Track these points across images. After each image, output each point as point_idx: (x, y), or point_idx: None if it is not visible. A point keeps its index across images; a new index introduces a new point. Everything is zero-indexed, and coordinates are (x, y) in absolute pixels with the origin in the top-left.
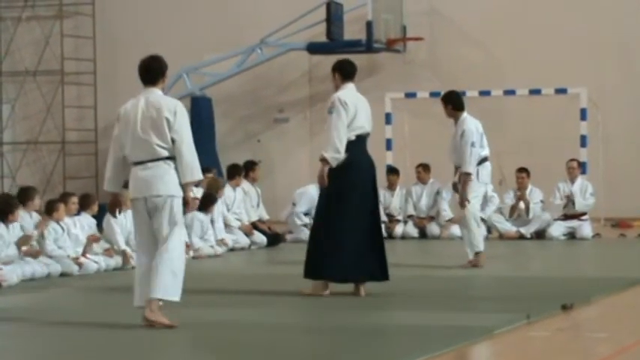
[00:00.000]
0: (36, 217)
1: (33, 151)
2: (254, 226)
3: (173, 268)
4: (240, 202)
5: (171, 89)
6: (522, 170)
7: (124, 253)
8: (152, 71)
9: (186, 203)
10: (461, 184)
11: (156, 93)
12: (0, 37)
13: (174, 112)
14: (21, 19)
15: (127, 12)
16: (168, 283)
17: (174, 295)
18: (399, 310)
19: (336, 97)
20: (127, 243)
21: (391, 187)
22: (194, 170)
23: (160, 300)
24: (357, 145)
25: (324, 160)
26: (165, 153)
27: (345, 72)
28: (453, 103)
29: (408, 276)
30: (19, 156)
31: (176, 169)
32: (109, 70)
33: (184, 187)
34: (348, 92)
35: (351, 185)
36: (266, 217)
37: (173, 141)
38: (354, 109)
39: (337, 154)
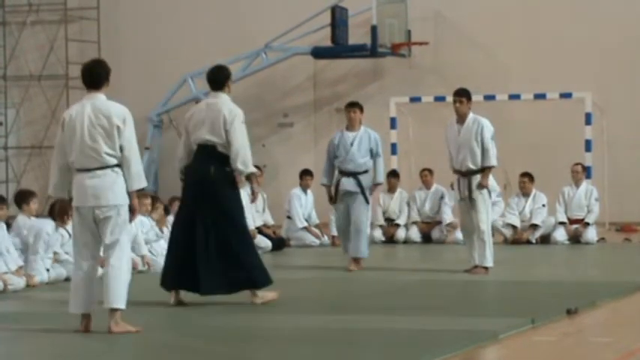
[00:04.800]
0: (35, 221)
1: (37, 155)
2: (259, 230)
3: (124, 278)
4: (245, 206)
5: (176, 94)
6: (525, 175)
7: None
8: (96, 76)
9: (132, 211)
10: (484, 174)
11: (100, 98)
12: (5, 41)
13: (124, 120)
14: (25, 23)
15: (131, 16)
16: (121, 292)
17: (124, 303)
18: (403, 315)
19: None
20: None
21: (391, 190)
22: (141, 178)
23: (118, 309)
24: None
25: None
26: (114, 161)
27: (208, 83)
28: (469, 99)
29: (412, 280)
30: (24, 160)
31: (123, 176)
32: (114, 75)
33: (131, 194)
34: (201, 103)
35: (182, 197)
36: (271, 222)
37: (122, 148)
38: (188, 119)
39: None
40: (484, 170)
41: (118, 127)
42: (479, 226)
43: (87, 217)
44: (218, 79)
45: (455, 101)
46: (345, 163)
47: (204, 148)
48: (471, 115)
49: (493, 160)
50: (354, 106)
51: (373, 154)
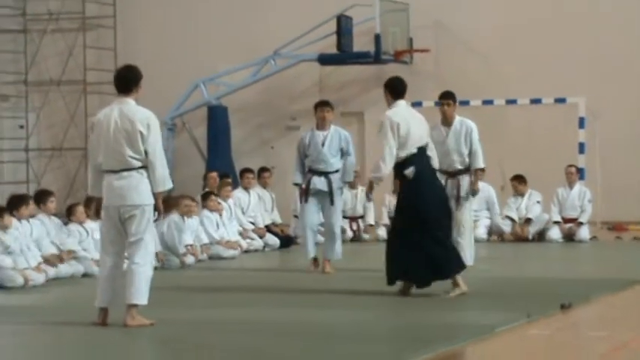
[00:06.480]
0: (55, 220)
1: (57, 157)
2: (267, 228)
3: (146, 275)
4: (254, 206)
5: (189, 99)
6: (515, 178)
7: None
8: (125, 81)
9: (158, 211)
10: (474, 178)
11: (129, 103)
12: (26, 48)
13: (148, 126)
14: (46, 31)
15: (146, 25)
16: (143, 289)
17: (145, 299)
18: (404, 309)
19: (386, 116)
20: None
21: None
22: (165, 181)
23: (137, 305)
24: (420, 157)
25: (372, 179)
26: (138, 163)
27: (395, 90)
28: (455, 102)
29: None
30: (44, 162)
31: (148, 177)
32: None
33: (156, 196)
34: (399, 110)
35: (421, 197)
36: (279, 220)
37: (146, 153)
38: (406, 126)
39: (381, 172)
40: (474, 172)
41: (141, 133)
42: (463, 225)
43: (113, 216)
44: (402, 88)
45: (443, 104)
46: (317, 162)
47: (424, 149)
48: (457, 118)
49: (482, 162)
50: (326, 105)
51: (343, 153)
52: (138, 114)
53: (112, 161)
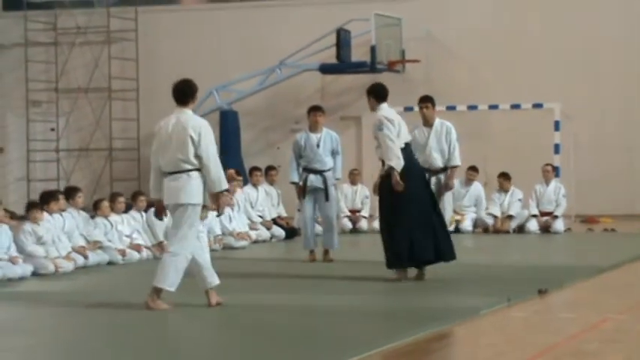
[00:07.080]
0: (83, 213)
1: (84, 157)
2: (274, 221)
3: (177, 265)
4: (262, 200)
5: (203, 104)
6: (501, 175)
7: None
8: (183, 94)
9: (217, 209)
10: (449, 174)
11: (187, 113)
12: (57, 59)
13: (199, 133)
14: (74, 44)
15: (165, 38)
16: (169, 275)
17: (172, 286)
18: (396, 294)
19: (381, 116)
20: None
21: (376, 191)
22: (221, 181)
23: (161, 289)
24: (407, 151)
25: (392, 169)
26: (188, 166)
27: (379, 95)
28: (434, 105)
29: None
30: (73, 161)
31: (201, 178)
32: (150, 88)
33: (215, 195)
34: (388, 111)
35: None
36: (284, 214)
37: (200, 157)
38: (398, 123)
39: (400, 160)
40: (450, 169)
41: (192, 138)
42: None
43: (170, 212)
44: (384, 93)
45: (422, 107)
46: (313, 162)
47: (409, 145)
48: (437, 120)
49: (459, 160)
50: (318, 109)
51: (334, 153)
52: (191, 122)
53: (168, 165)
